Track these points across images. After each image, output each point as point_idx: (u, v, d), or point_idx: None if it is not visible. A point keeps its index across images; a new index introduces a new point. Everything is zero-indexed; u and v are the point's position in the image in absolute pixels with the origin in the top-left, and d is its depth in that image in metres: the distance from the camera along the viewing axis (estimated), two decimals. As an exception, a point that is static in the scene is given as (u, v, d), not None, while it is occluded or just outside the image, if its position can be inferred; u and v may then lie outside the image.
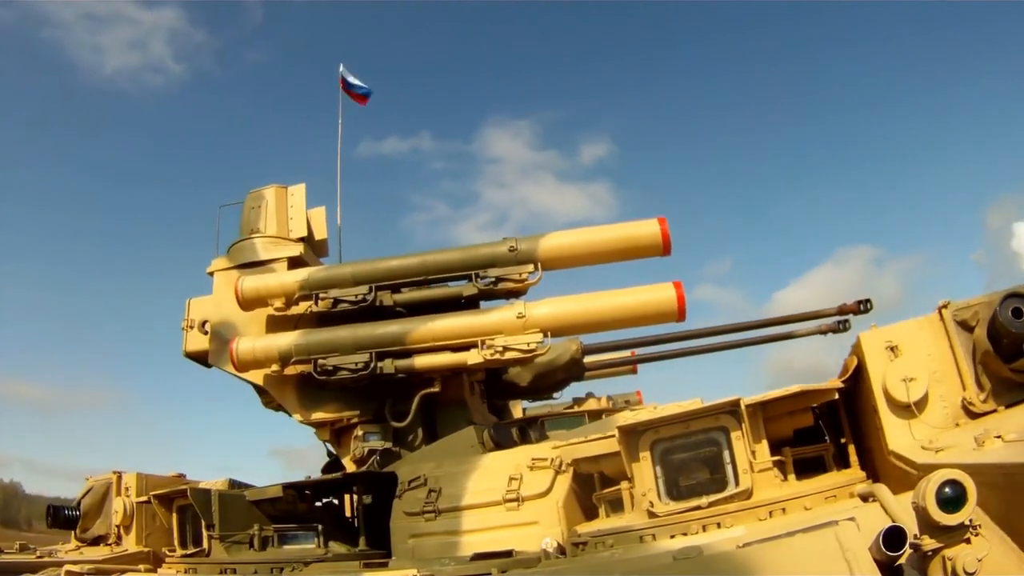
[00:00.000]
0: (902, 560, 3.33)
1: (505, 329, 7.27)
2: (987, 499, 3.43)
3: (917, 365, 4.57)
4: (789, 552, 3.57)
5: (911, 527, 3.36)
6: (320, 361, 7.46)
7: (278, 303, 7.91)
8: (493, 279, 7.56)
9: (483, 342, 7.26)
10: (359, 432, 7.72)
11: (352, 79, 11.24)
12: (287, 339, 7.64)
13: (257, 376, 7.99)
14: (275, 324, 8.12)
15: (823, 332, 10.95)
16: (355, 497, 7.37)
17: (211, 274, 8.72)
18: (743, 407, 4.48)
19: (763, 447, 4.58)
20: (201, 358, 8.54)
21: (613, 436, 4.90)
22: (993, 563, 3.33)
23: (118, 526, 8.89)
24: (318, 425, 8.10)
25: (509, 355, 7.24)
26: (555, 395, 10.20)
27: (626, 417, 5.12)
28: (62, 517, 9.32)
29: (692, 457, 4.69)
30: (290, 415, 8.97)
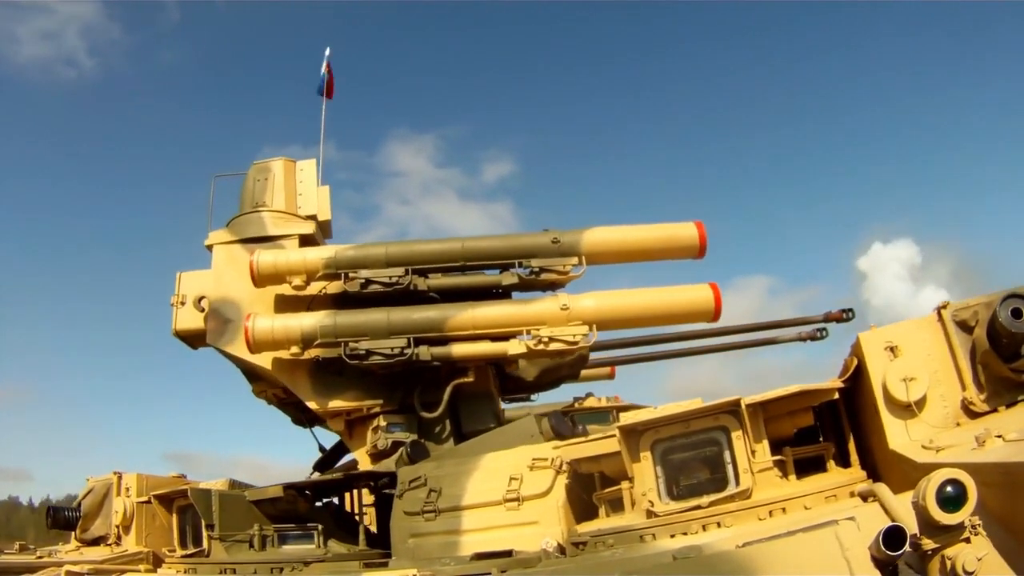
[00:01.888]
0: (902, 560, 3.34)
1: (548, 320, 7.12)
2: (988, 498, 3.43)
3: (917, 365, 4.57)
4: (789, 551, 3.58)
5: (911, 526, 3.36)
6: (352, 344, 7.03)
7: (297, 280, 7.40)
8: (536, 269, 7.35)
9: (528, 332, 7.07)
10: (381, 423, 7.34)
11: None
12: (311, 319, 7.21)
13: (265, 359, 7.50)
14: (284, 304, 7.65)
15: (803, 339, 11.33)
16: (360, 495, 7.25)
17: (209, 247, 8.17)
18: (744, 407, 4.48)
19: (763, 447, 4.57)
20: (193, 337, 8.04)
21: (613, 436, 4.90)
22: (993, 563, 3.33)
23: (118, 526, 8.88)
24: (333, 415, 7.68)
25: (554, 346, 7.06)
26: (532, 397, 10.13)
27: (628, 417, 5.11)
28: (62, 518, 9.32)
29: (692, 457, 4.68)
30: (284, 409, 8.52)
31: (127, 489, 8.99)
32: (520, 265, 7.38)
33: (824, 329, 11.10)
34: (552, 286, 7.52)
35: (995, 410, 4.42)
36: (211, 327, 7.72)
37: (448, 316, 7.16)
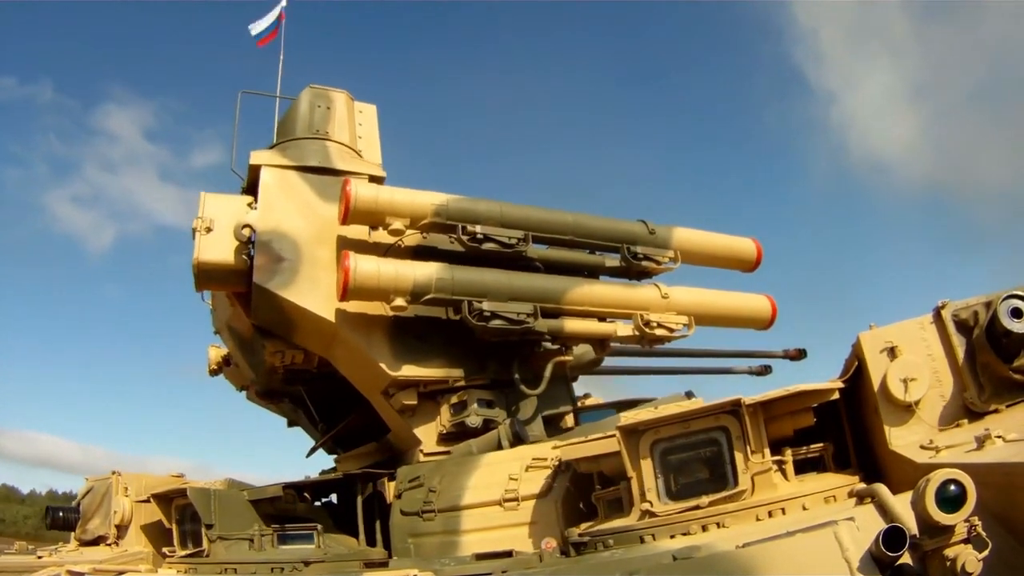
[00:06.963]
0: (902, 560, 3.33)
1: (651, 306, 7.11)
2: (988, 499, 3.43)
3: (917, 365, 4.56)
4: (789, 552, 3.57)
5: (911, 527, 3.36)
6: (475, 304, 6.32)
7: (397, 224, 6.46)
8: (641, 255, 7.32)
9: (641, 315, 7.01)
10: (465, 397, 6.73)
11: (259, 27, 9.49)
12: (426, 269, 6.39)
13: (329, 310, 6.57)
14: (351, 250, 6.59)
15: (752, 373, 11.74)
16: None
17: (255, 169, 7.09)
18: (744, 407, 4.48)
19: (764, 447, 4.57)
20: (216, 274, 6.92)
21: (613, 436, 4.89)
22: (993, 563, 3.33)
23: (118, 526, 8.90)
24: (404, 385, 6.77)
25: (659, 332, 7.05)
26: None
27: (628, 417, 5.11)
28: (61, 518, 9.33)
29: (692, 457, 4.67)
30: (268, 380, 8.00)
31: (126, 489, 9.01)
32: (628, 250, 7.33)
33: (769, 366, 11.68)
34: (641, 275, 7.56)
35: (995, 410, 4.42)
36: (260, 263, 6.66)
37: (567, 288, 6.81)
